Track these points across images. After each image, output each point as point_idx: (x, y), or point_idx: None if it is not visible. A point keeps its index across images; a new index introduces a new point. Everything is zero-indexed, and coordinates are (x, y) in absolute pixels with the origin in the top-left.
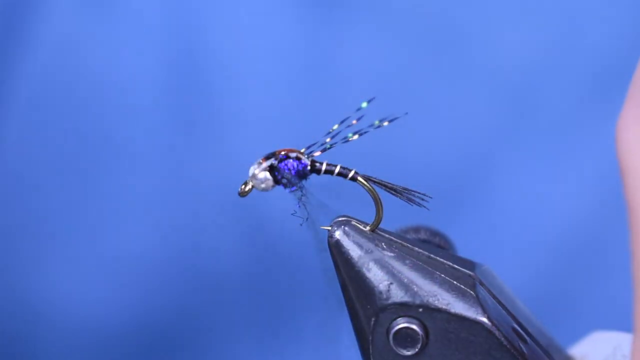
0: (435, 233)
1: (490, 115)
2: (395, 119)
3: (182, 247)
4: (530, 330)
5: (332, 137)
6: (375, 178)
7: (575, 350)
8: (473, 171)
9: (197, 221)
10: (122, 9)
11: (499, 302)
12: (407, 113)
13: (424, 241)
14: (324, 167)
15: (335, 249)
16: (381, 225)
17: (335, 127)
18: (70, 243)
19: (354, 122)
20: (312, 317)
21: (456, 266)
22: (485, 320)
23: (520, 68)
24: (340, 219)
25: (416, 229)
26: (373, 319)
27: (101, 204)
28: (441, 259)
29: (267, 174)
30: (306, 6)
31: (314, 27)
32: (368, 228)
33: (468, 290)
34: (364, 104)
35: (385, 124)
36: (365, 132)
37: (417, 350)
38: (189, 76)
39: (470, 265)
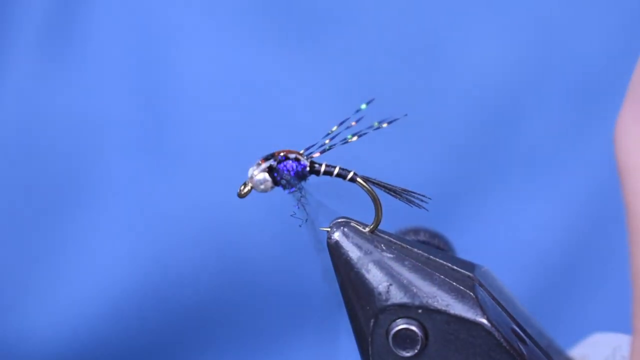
0: (434, 234)
1: (490, 116)
2: (395, 120)
3: (156, 278)
4: (529, 331)
5: (331, 139)
6: (374, 179)
7: (575, 351)
8: (472, 172)
9: (171, 251)
10: (87, 37)
11: (499, 304)
12: (406, 114)
13: (423, 242)
14: (323, 168)
15: (335, 250)
16: (380, 227)
17: (335, 128)
18: (44, 278)
19: (353, 123)
20: (307, 328)
21: (455, 267)
22: (484, 321)
23: (520, 74)
24: (339, 220)
25: (415, 231)
26: (372, 320)
27: (74, 238)
28: (440, 260)
29: (266, 175)
30: (277, 29)
31: (283, 52)
32: (367, 229)
33: (467, 291)
34: (364, 106)
35: (385, 125)
36: (364, 134)
37: (416, 351)
38: (156, 108)
39: (470, 266)
